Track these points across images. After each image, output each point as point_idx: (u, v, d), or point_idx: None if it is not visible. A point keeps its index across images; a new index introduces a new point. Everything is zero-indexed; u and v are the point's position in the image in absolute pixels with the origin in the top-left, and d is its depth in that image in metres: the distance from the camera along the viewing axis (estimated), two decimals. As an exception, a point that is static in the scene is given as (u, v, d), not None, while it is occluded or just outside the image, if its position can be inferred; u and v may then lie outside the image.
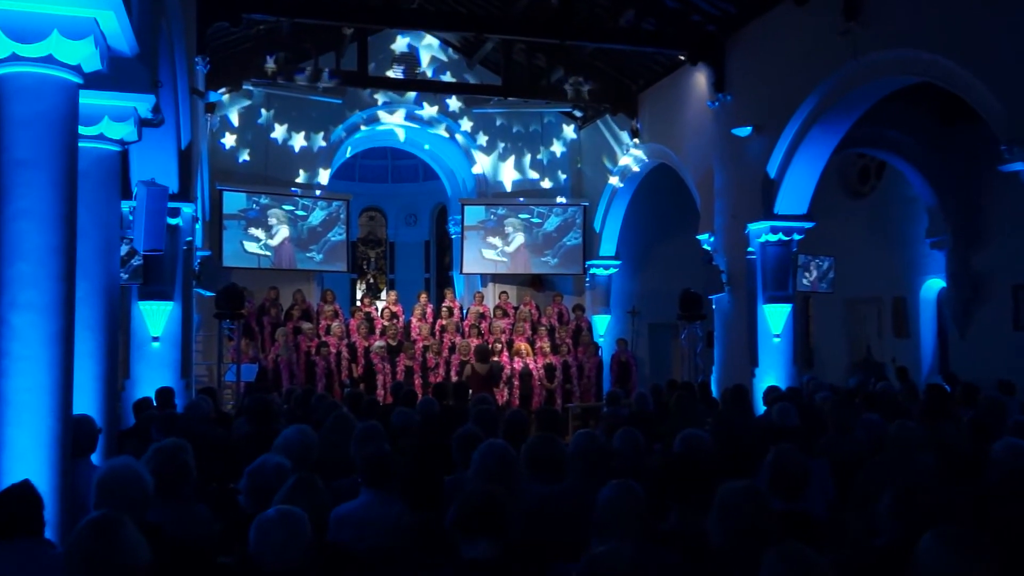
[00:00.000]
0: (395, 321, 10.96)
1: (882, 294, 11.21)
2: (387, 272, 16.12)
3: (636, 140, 11.47)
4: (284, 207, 11.61)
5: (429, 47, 12.44)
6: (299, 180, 11.91)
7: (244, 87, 10.67)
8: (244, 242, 11.32)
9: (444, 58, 12.52)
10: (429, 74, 12.28)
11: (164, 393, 6.10)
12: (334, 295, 11.40)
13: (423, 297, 11.86)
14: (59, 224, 3.32)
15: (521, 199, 12.84)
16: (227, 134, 11.48)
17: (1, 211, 3.27)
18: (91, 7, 3.32)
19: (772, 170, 8.68)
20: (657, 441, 4.76)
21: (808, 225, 8.78)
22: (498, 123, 12.91)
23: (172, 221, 7.07)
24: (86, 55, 3.39)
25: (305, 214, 11.77)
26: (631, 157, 11.63)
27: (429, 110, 12.51)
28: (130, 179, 6.39)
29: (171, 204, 6.55)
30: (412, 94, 12.30)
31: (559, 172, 13.18)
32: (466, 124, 12.71)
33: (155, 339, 7.35)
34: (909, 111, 9.48)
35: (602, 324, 12.52)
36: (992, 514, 2.90)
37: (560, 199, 12.88)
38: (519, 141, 13.05)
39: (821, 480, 4.01)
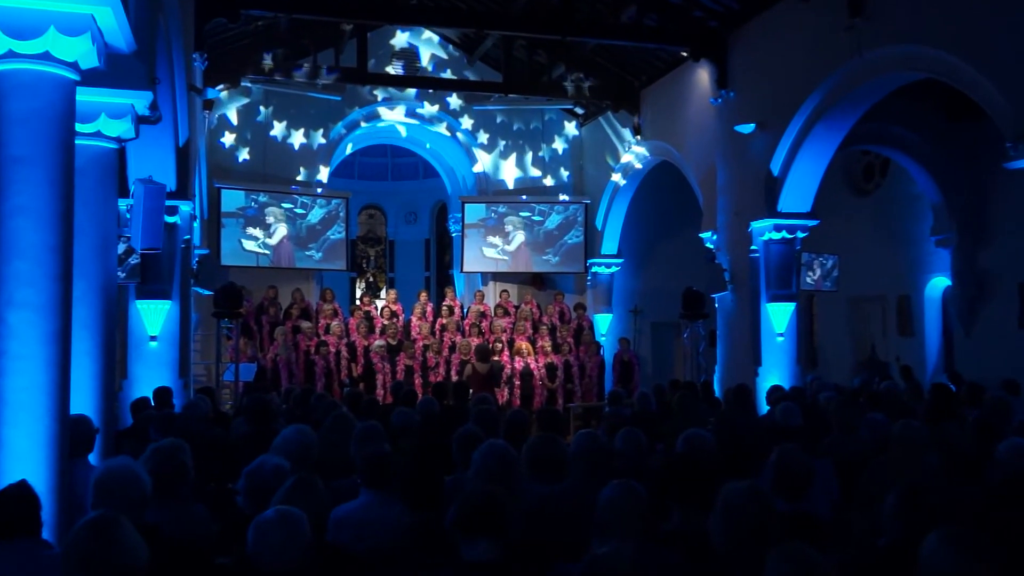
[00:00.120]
0: (395, 320, 10.91)
1: (887, 292, 11.16)
2: (387, 271, 16.07)
3: (638, 137, 11.39)
4: (283, 205, 11.55)
5: (429, 42, 12.36)
6: (299, 178, 11.86)
7: (242, 84, 10.61)
8: (242, 240, 11.26)
9: (444, 55, 12.45)
10: (429, 70, 12.20)
11: (162, 393, 6.08)
12: (333, 294, 11.35)
13: (423, 296, 11.80)
14: (56, 222, 3.31)
15: (524, 197, 12.77)
16: (225, 131, 11.42)
17: (-2, 209, 3.26)
18: (88, 3, 3.30)
19: (775, 167, 8.64)
20: (659, 441, 4.75)
21: (812, 223, 8.75)
22: (498, 120, 12.84)
23: (170, 219, 7.07)
24: (83, 52, 3.37)
25: (304, 212, 11.71)
26: (633, 154, 11.56)
27: (430, 108, 12.44)
28: (127, 177, 6.35)
29: (169, 202, 6.53)
30: (412, 91, 12.22)
31: (560, 170, 13.11)
32: (467, 122, 12.64)
33: (153, 338, 7.32)
34: (914, 108, 9.43)
35: (604, 323, 12.47)
36: (996, 514, 2.89)
37: (563, 196, 12.81)
38: (520, 138, 12.99)
39: (825, 480, 3.99)
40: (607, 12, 9.98)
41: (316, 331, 10.32)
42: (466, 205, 12.64)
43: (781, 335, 8.69)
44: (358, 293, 15.65)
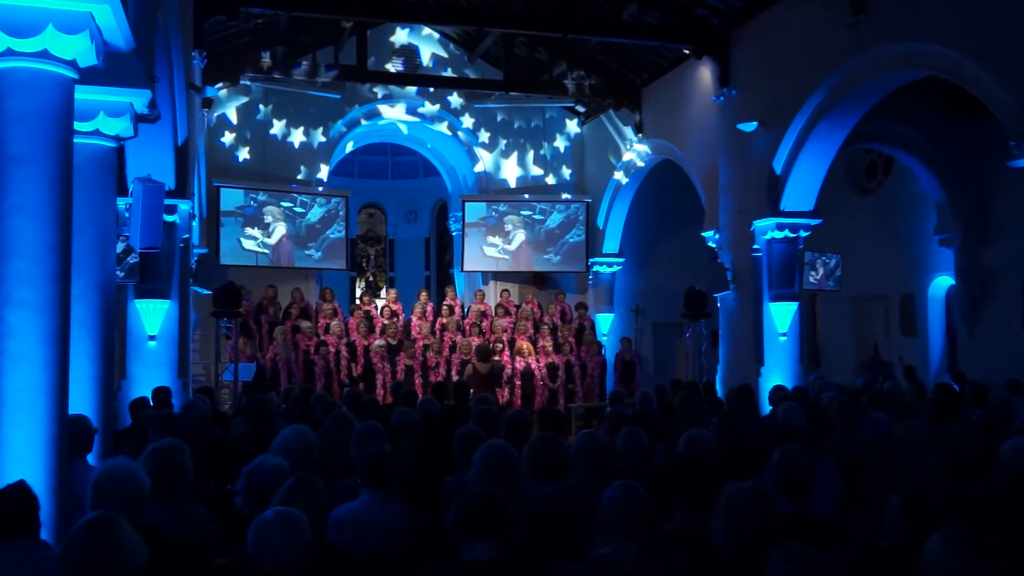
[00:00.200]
0: (395, 320, 10.87)
1: (890, 292, 11.13)
2: (387, 270, 16.04)
3: (640, 135, 11.34)
4: (282, 204, 11.51)
5: (429, 40, 12.30)
6: (299, 177, 11.82)
7: (242, 82, 10.57)
8: (242, 240, 11.22)
9: (444, 54, 12.40)
10: (429, 67, 12.15)
11: (161, 393, 6.07)
12: (333, 293, 11.31)
13: (423, 295, 11.76)
14: (54, 221, 3.30)
15: (526, 196, 12.72)
16: (225, 130, 11.37)
17: (-4, 208, 3.26)
18: (87, 1, 3.29)
19: (778, 166, 8.61)
20: (661, 441, 4.74)
21: (815, 222, 8.73)
22: (499, 119, 12.80)
23: (169, 218, 7.08)
24: (81, 50, 3.36)
25: (303, 211, 11.66)
26: (635, 153, 11.51)
27: (430, 107, 12.40)
28: (126, 176, 6.34)
29: (167, 201, 6.55)
30: (412, 88, 12.17)
31: (563, 168, 13.07)
32: (468, 121, 12.60)
33: (152, 338, 7.31)
34: (917, 106, 9.39)
35: (605, 323, 12.43)
36: (1000, 515, 2.89)
37: (565, 195, 12.77)
38: (521, 137, 12.94)
39: (828, 481, 4.00)
40: (609, 9, 9.94)
41: (316, 331, 10.29)
42: (466, 204, 12.59)
43: (784, 335, 8.67)
44: (358, 292, 15.61)
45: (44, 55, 3.26)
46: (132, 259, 6.94)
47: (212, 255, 10.51)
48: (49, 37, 3.23)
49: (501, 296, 12.14)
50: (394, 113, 12.38)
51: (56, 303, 3.28)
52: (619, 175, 11.93)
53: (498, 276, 12.86)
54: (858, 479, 3.76)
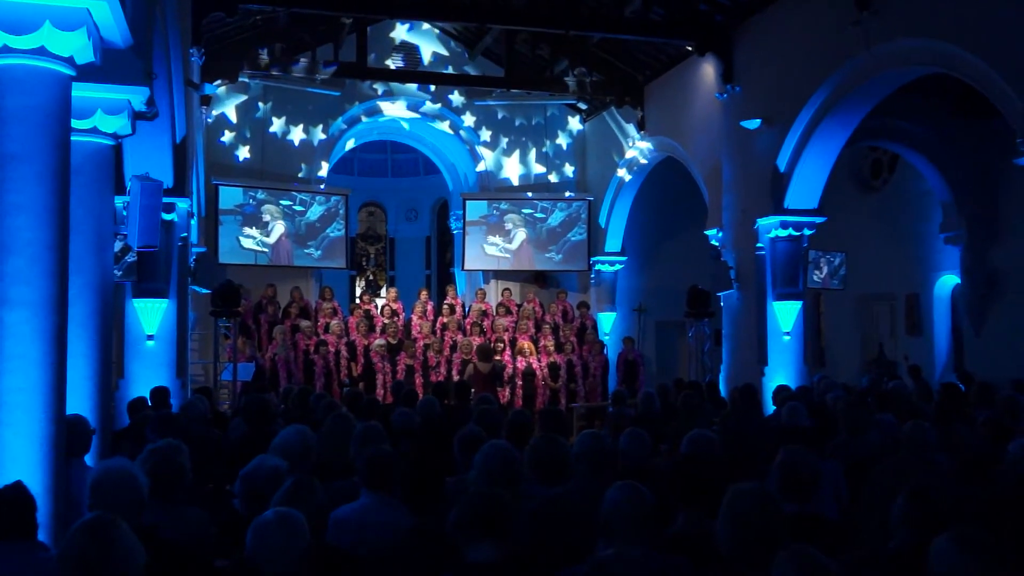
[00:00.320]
0: (395, 319, 10.83)
1: (895, 291, 11.11)
2: (387, 269, 15.98)
3: (642, 132, 11.27)
4: (281, 202, 11.45)
5: (429, 36, 12.22)
6: (299, 175, 11.76)
7: (240, 79, 10.50)
8: (240, 238, 11.16)
9: (445, 52, 12.32)
10: (428, 60, 12.06)
11: (159, 393, 6.05)
12: (332, 292, 11.26)
13: (424, 294, 11.70)
14: (52, 219, 3.29)
15: (529, 194, 12.65)
16: (223, 128, 11.31)
17: (-7, 206, 3.25)
18: (84, -3, 3.29)
19: (782, 164, 8.57)
20: (664, 442, 4.74)
21: (819, 220, 8.68)
22: (500, 116, 12.73)
23: (167, 217, 7.08)
24: (79, 47, 3.35)
25: (303, 209, 11.60)
26: (637, 150, 11.44)
27: (431, 106, 12.34)
28: (124, 174, 6.31)
29: (166, 199, 6.56)
30: (413, 85, 12.11)
31: (565, 165, 13.00)
32: (469, 119, 12.52)
33: (150, 337, 7.29)
34: (923, 103, 9.34)
35: (607, 322, 12.36)
36: (1007, 516, 2.89)
37: (568, 193, 12.69)
38: (523, 135, 12.87)
39: (833, 482, 4.00)
40: (611, 5, 9.86)
41: (315, 330, 10.24)
42: (467, 202, 12.53)
43: (788, 334, 8.63)
44: (358, 291, 15.56)
45: (41, 52, 3.24)
46: (130, 258, 6.91)
47: (211, 254, 10.46)
48: (46, 34, 3.21)
49: (502, 295, 12.08)
50: (395, 110, 12.32)
51: (53, 302, 3.27)
52: (622, 172, 11.85)
53: (499, 275, 12.80)
54: (863, 480, 3.76)
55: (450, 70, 12.22)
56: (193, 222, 8.61)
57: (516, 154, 12.84)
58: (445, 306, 11.48)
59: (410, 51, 12.03)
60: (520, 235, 12.49)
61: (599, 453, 3.11)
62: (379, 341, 10.15)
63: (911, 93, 8.28)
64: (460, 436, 3.59)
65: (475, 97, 12.31)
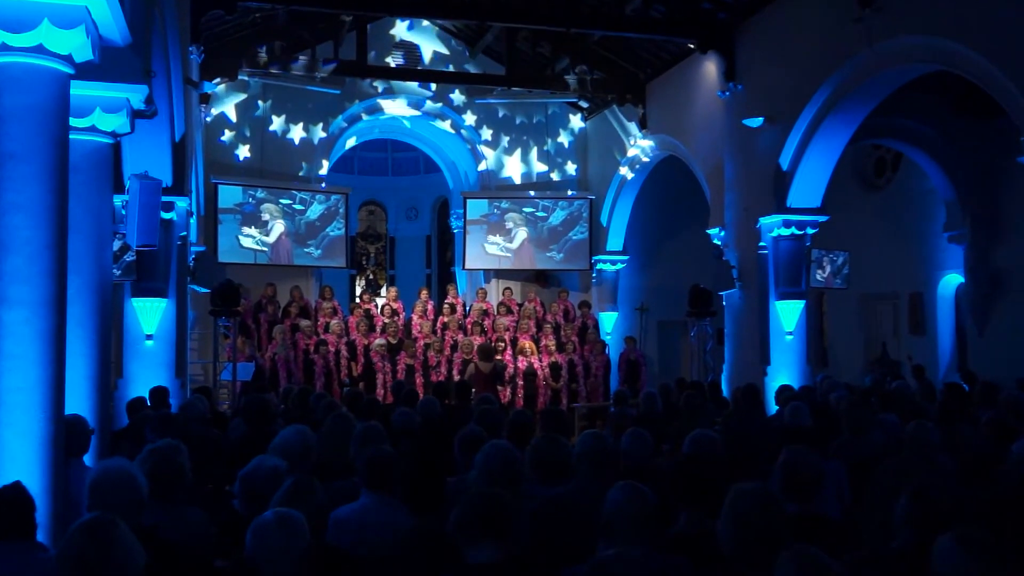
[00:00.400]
0: (395, 318, 10.79)
1: (898, 290, 11.08)
2: (387, 268, 15.95)
3: (644, 130, 11.22)
4: (281, 201, 11.40)
5: (429, 34, 12.17)
6: (300, 174, 11.72)
7: (240, 78, 10.46)
8: (240, 237, 11.13)
9: (446, 50, 12.28)
10: (429, 59, 12.01)
11: (158, 393, 6.04)
12: (332, 291, 11.22)
13: (424, 293, 11.66)
14: (50, 218, 3.29)
15: (531, 193, 12.61)
16: (223, 127, 11.27)
17: (-8, 205, 3.26)
18: (82, -6, 3.28)
19: (785, 162, 8.54)
20: (666, 442, 4.75)
21: (822, 219, 8.67)
22: (501, 115, 12.68)
23: (166, 216, 7.08)
24: (77, 44, 3.34)
25: (303, 208, 11.57)
26: (639, 148, 11.40)
27: (432, 105, 12.29)
28: (122, 172, 6.31)
29: (165, 198, 6.53)
30: (414, 83, 12.06)
31: (566, 164, 12.96)
32: (470, 118, 12.48)
33: (149, 337, 7.27)
34: (926, 101, 9.32)
35: (609, 321, 12.33)
36: (1010, 516, 2.89)
37: (569, 192, 12.64)
38: (524, 133, 12.83)
39: (836, 482, 4.01)
40: (612, 3, 9.82)
41: (315, 330, 10.20)
42: (468, 201, 12.49)
43: (790, 333, 8.61)
44: (358, 291, 15.53)
45: (39, 50, 3.23)
46: (129, 257, 6.91)
47: (210, 253, 10.44)
48: (44, 32, 3.20)
49: (503, 294, 12.04)
50: (395, 108, 12.28)
51: (52, 301, 3.26)
52: (624, 170, 11.80)
53: (500, 274, 12.76)
54: (866, 480, 3.75)
55: (451, 69, 12.17)
56: (192, 221, 8.60)
57: (517, 152, 12.80)
58: (446, 305, 11.43)
59: (410, 49, 11.98)
60: (521, 234, 12.45)
61: (601, 453, 3.09)
62: (379, 341, 10.11)
63: (914, 91, 8.26)
64: (461, 436, 3.57)
65: (476, 95, 12.26)
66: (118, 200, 5.91)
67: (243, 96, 11.35)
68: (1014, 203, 9.49)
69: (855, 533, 3.39)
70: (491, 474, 2.86)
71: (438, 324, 10.87)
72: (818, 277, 8.94)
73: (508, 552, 2.21)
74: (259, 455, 2.95)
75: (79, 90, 3.94)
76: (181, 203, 7.43)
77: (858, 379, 9.81)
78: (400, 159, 15.29)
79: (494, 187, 12.72)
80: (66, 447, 3.38)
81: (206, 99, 10.42)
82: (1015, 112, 6.06)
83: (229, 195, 11.05)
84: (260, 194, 11.25)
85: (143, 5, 4.61)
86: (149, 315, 7.23)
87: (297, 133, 11.71)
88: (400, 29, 11.94)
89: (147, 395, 6.01)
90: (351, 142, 13.08)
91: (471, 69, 12.19)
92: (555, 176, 12.89)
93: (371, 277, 15.93)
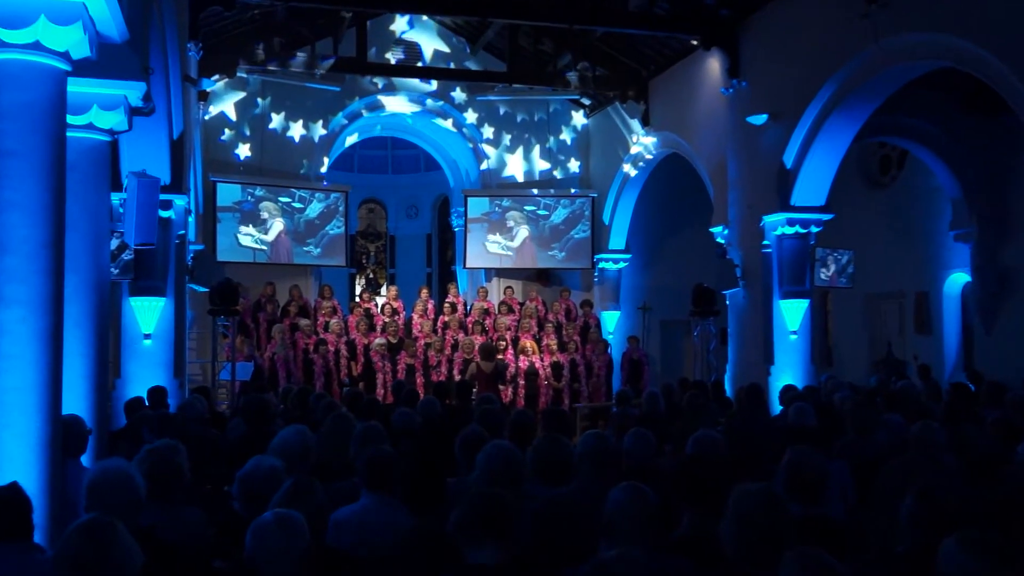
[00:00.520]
0: (396, 317, 10.73)
1: (904, 289, 11.07)
2: (387, 266, 15.89)
3: (647, 128, 11.14)
4: (280, 199, 11.34)
5: (429, 29, 12.10)
6: (301, 172, 11.66)
7: (239, 75, 10.41)
8: (239, 236, 11.07)
9: (446, 47, 12.21)
10: (430, 57, 11.95)
11: (156, 392, 6.06)
12: (332, 290, 11.17)
13: (424, 292, 11.61)
14: (47, 217, 3.28)
15: (533, 191, 12.54)
16: (222, 124, 11.22)
17: (-12, 203, 3.26)
18: (80, -8, 3.29)
19: (789, 160, 8.51)
20: (668, 442, 4.72)
21: (826, 217, 8.63)
22: (502, 112, 12.61)
23: (164, 214, 7.11)
24: (74, 41, 3.34)
25: (302, 206, 11.51)
26: (642, 146, 11.33)
27: (433, 103, 12.23)
28: (120, 170, 6.31)
29: (163, 196, 6.58)
30: (415, 80, 11.99)
31: (568, 162, 12.89)
32: (471, 116, 12.41)
33: (147, 336, 7.27)
34: (932, 98, 9.27)
35: (611, 321, 12.27)
36: (1016, 517, 2.88)
37: (572, 190, 12.58)
38: (525, 131, 12.76)
39: (841, 483, 4.01)
40: (615, -1, 9.74)
41: (315, 329, 10.15)
42: (469, 199, 12.42)
43: (794, 333, 8.58)
44: (358, 290, 15.46)
45: (36, 47, 3.22)
46: (127, 256, 6.90)
47: (209, 251, 10.41)
48: (41, 28, 3.18)
49: (504, 293, 11.99)
50: (396, 104, 12.22)
51: (49, 301, 3.25)
52: (627, 167, 11.74)
53: (501, 273, 12.70)
54: (871, 481, 3.75)
55: (451, 66, 12.10)
56: (191, 219, 8.59)
57: (519, 150, 12.73)
58: (446, 304, 11.37)
59: (410, 45, 11.91)
60: (522, 232, 12.38)
61: (603, 453, 3.08)
62: (379, 340, 10.06)
63: (920, 88, 8.21)
64: (462, 436, 3.56)
65: (477, 92, 12.20)
66: (116, 198, 5.94)
67: (242, 94, 11.29)
68: (1021, 201, 9.47)
69: (860, 534, 3.39)
70: (492, 474, 2.85)
71: (439, 323, 10.82)
72: (822, 276, 8.91)
73: (509, 553, 2.20)
74: (258, 455, 2.94)
75: (76, 87, 3.94)
76: (179, 201, 7.44)
77: (863, 379, 9.75)
78: (400, 157, 15.22)
79: (495, 185, 12.65)
80: (64, 447, 3.38)
81: (204, 96, 10.37)
82: (1022, 110, 6.02)
83: (228, 193, 11.00)
84: (259, 192, 11.19)
85: (141, 2, 4.63)
86: (147, 314, 7.23)
87: (297, 130, 11.65)
88: (400, 25, 11.86)
89: (145, 395, 6.02)
90: (352, 139, 13.02)
91: (472, 66, 12.13)
92: (557, 174, 12.82)
93: (371, 276, 15.87)
